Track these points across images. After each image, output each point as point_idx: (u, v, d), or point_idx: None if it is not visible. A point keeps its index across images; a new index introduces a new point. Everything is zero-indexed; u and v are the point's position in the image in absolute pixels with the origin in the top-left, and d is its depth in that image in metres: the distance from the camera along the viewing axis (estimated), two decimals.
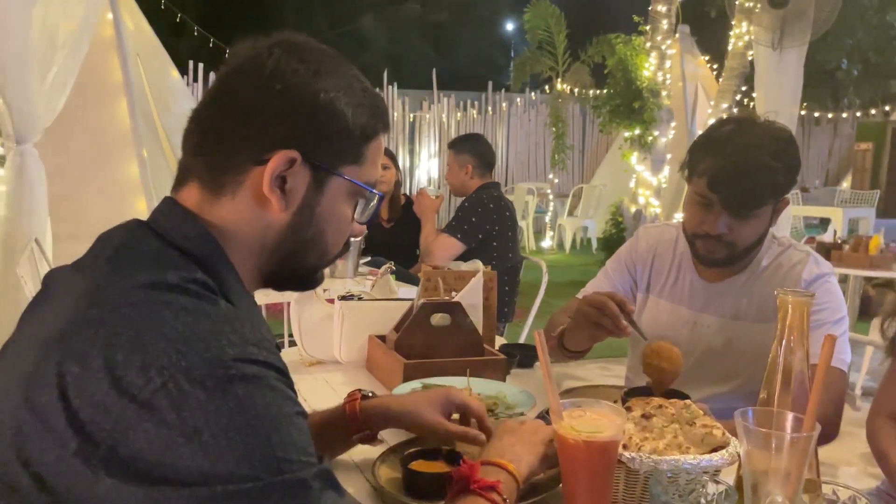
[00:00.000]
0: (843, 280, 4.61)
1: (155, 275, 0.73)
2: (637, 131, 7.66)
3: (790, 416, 0.86)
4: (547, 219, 10.71)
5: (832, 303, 1.57)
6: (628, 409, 1.03)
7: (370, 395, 1.18)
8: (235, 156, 0.81)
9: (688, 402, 1.05)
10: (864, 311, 4.90)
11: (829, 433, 1.48)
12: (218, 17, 13.29)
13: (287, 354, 1.88)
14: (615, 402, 1.08)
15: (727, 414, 0.98)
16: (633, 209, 7.84)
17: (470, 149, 3.44)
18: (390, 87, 11.44)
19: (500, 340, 2.03)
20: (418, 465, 1.08)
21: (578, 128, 12.53)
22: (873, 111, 13.32)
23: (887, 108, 13.15)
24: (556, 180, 11.06)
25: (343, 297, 1.86)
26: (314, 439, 1.11)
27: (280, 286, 0.91)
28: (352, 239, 0.95)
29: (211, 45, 9.12)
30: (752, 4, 6.00)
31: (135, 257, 0.77)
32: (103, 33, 4.45)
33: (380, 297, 2.04)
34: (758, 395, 0.99)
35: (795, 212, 8.31)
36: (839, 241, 4.58)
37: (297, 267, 0.88)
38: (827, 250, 4.24)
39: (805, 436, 0.82)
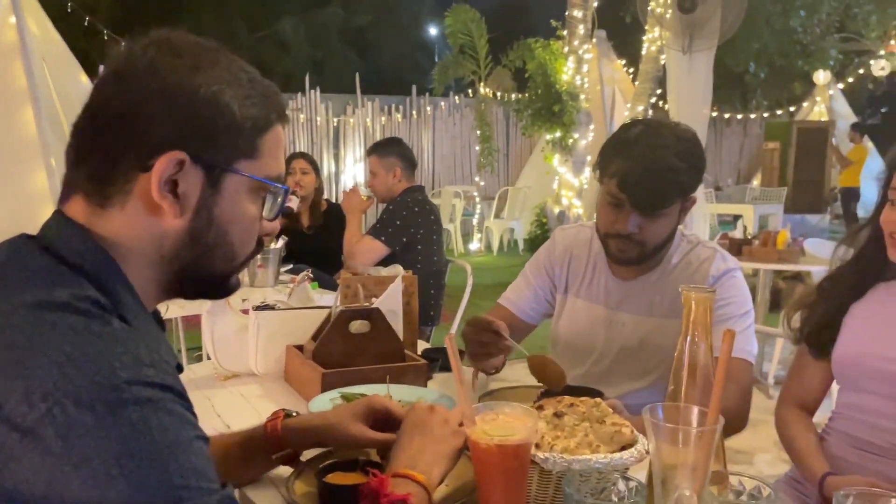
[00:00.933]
0: (754, 274, 4.77)
1: (41, 293, 0.69)
2: (558, 134, 7.81)
3: (695, 410, 0.88)
4: (474, 221, 10.78)
5: (738, 297, 1.64)
6: (540, 409, 1.04)
7: (294, 414, 1.15)
8: (118, 164, 0.76)
9: (598, 399, 1.06)
10: (776, 304, 5.09)
11: (737, 424, 1.54)
12: (131, 20, 12.85)
13: (202, 368, 1.82)
14: (533, 403, 1.09)
15: None
16: (556, 210, 7.99)
17: (396, 152, 3.41)
18: (313, 91, 11.30)
19: (425, 345, 2.02)
20: (334, 478, 1.06)
21: (502, 131, 12.67)
22: (779, 112, 13.98)
23: (792, 108, 13.83)
24: (483, 183, 11.15)
25: (258, 307, 1.82)
26: (233, 458, 1.07)
27: (190, 295, 0.86)
28: (272, 246, 0.92)
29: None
30: (662, 10, 6.21)
31: (20, 275, 0.72)
32: (6, 38, 4.24)
33: (297, 306, 2.00)
34: None
35: (710, 209, 8.62)
36: (749, 237, 4.74)
37: (205, 274, 0.84)
38: (738, 246, 4.38)
39: (708, 429, 0.84)
